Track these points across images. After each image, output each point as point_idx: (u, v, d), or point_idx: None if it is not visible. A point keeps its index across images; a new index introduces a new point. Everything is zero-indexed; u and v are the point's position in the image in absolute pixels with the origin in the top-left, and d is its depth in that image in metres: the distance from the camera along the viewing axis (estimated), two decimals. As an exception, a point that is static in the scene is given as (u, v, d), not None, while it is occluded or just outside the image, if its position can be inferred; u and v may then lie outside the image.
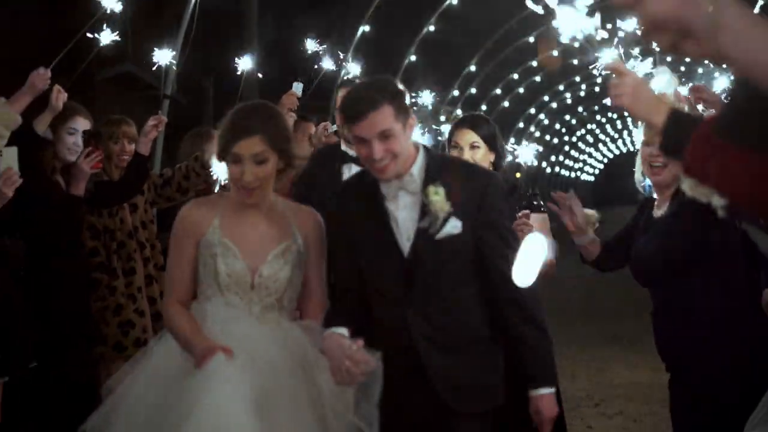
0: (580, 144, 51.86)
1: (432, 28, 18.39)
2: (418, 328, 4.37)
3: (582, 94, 34.93)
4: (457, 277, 4.38)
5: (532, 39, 21.71)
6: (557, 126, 41.24)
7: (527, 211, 5.60)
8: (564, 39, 3.55)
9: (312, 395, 4.22)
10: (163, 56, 8.19)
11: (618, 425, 9.13)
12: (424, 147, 4.53)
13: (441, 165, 4.47)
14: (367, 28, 16.50)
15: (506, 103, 27.82)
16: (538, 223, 5.55)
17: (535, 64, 25.19)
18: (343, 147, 5.93)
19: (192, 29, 9.94)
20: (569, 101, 35.62)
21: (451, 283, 4.38)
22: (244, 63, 8.72)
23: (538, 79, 27.83)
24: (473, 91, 23.77)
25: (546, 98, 33.28)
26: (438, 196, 4.30)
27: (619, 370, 11.10)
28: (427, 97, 13.15)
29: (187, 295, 4.49)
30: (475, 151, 5.79)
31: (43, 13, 14.96)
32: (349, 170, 5.83)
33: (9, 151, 6.05)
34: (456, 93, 22.58)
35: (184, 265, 4.48)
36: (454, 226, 4.33)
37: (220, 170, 4.85)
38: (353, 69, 12.37)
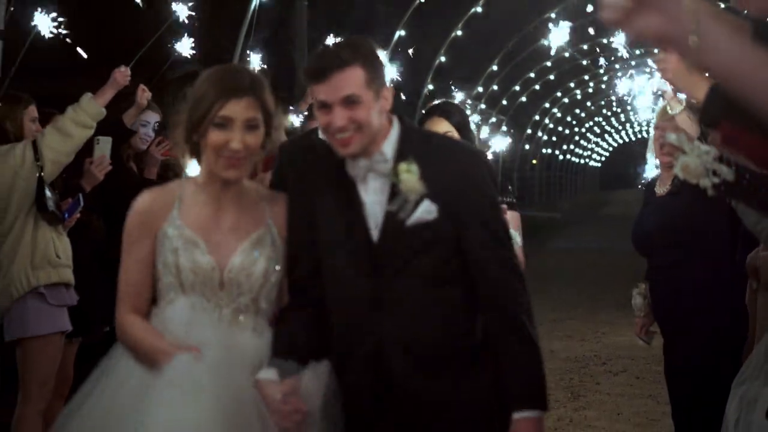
0: (588, 134, 51.56)
1: (459, 32, 18.34)
2: (388, 333, 3.19)
3: (590, 90, 34.70)
4: (434, 273, 3.20)
5: (546, 42, 21.63)
6: (568, 119, 40.99)
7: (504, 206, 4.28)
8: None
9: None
10: (225, 56, 8.23)
11: (623, 382, 9.13)
12: (401, 119, 3.38)
13: (419, 140, 3.33)
14: (402, 32, 16.47)
15: (524, 98, 27.83)
16: (512, 221, 4.61)
17: (549, 64, 25.07)
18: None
19: (251, 32, 9.97)
20: (579, 97, 35.41)
21: (428, 280, 3.20)
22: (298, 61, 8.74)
23: (552, 77, 27.75)
24: (495, 87, 23.73)
25: (558, 94, 33.12)
26: (410, 174, 3.19)
27: (623, 332, 11.08)
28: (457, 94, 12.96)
29: (144, 303, 3.34)
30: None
31: (123, 19, 15.03)
32: None
33: (104, 140, 6.11)
34: (480, 89, 22.51)
35: (141, 266, 3.32)
36: (427, 210, 3.19)
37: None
38: (391, 72, 12.33)
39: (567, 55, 23.73)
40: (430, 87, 18.52)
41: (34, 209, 5.81)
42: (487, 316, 3.22)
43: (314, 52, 3.59)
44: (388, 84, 3.31)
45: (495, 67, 21.95)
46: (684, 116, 4.85)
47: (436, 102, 5.16)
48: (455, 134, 4.78)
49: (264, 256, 3.32)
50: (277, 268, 3.36)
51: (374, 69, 3.22)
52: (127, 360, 3.24)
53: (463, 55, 19.39)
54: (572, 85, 32.48)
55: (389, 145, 3.28)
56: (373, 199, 3.25)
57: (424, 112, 5.00)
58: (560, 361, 9.95)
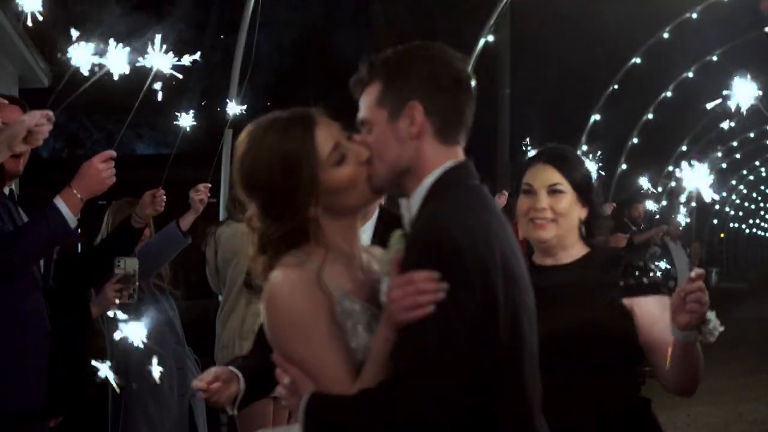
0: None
1: (650, 116, 18.28)
2: None
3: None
4: None
5: (732, 124, 21.25)
6: (754, 194, 39.64)
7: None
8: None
9: None
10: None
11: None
12: (452, 172, 2.33)
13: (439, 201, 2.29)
14: (598, 116, 16.59)
15: (712, 176, 27.18)
16: (657, 309, 3.06)
17: (735, 144, 24.52)
18: None
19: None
20: (764, 174, 34.26)
21: None
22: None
23: (738, 156, 27.08)
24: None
25: (744, 172, 32.20)
26: (397, 247, 2.37)
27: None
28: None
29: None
30: (556, 197, 3.21)
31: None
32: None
33: (130, 262, 4.87)
34: (670, 168, 22.24)
35: (339, 348, 2.30)
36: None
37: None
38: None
39: (752, 135, 23.20)
40: (624, 167, 18.45)
41: None
42: None
43: None
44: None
45: (684, 147, 21.65)
46: None
47: (548, 145, 3.45)
48: (569, 191, 3.22)
49: None
50: None
51: (394, 80, 2.35)
52: None
53: (654, 137, 19.28)
54: (757, 163, 31.54)
55: (418, 193, 2.35)
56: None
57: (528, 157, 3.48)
58: (747, 424, 9.74)
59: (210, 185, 5.23)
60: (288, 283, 2.32)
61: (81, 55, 3.88)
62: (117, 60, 3.89)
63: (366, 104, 2.37)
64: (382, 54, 2.38)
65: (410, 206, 2.35)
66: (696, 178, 3.06)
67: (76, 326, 4.61)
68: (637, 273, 3.14)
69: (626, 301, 3.09)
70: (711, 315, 2.74)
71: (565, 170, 3.22)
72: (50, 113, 3.86)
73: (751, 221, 44.91)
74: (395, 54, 2.37)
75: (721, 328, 2.77)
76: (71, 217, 3.98)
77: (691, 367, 2.91)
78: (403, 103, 2.29)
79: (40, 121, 3.82)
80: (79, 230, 4.63)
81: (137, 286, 4.82)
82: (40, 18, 3.87)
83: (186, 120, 4.62)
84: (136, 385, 5.12)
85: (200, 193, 5.23)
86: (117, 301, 4.77)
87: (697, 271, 2.73)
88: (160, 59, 4.11)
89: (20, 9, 3.88)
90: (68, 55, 3.87)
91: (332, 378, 2.27)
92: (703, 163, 3.16)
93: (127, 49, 3.94)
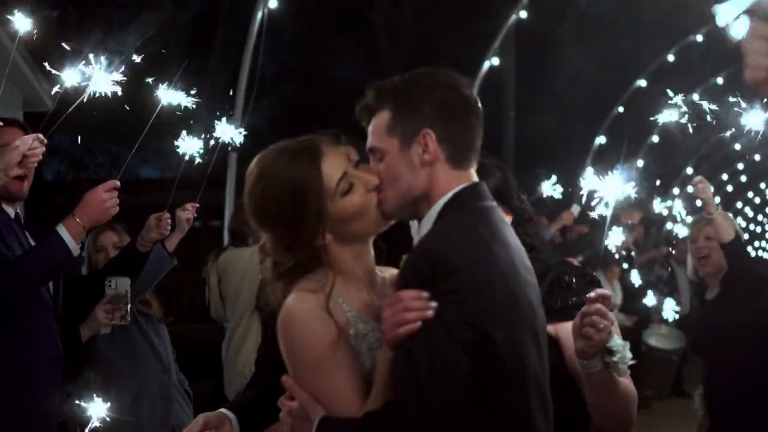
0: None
1: (656, 138, 18.28)
2: None
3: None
4: None
5: (737, 146, 21.28)
6: (759, 217, 39.58)
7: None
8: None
9: None
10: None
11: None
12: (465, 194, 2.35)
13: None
14: (603, 139, 16.60)
15: (717, 199, 27.18)
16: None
17: (741, 167, 24.54)
18: None
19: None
20: (768, 196, 34.36)
21: None
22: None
23: (743, 179, 27.09)
24: (690, 189, 23.35)
25: (750, 194, 32.20)
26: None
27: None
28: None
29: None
30: None
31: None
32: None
33: (121, 281, 4.75)
34: (676, 191, 22.25)
35: (350, 375, 2.31)
36: None
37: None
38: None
39: (758, 158, 23.17)
40: (629, 188, 18.41)
41: None
42: None
43: None
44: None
45: (690, 170, 21.65)
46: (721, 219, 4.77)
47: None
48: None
49: None
50: None
51: (404, 109, 2.35)
52: None
53: (659, 158, 19.27)
54: (763, 185, 31.52)
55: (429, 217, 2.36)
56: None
57: None
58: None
59: (198, 205, 5.15)
60: (301, 310, 2.34)
61: (71, 78, 3.91)
62: (103, 80, 3.92)
63: (375, 132, 2.36)
64: (389, 81, 2.38)
65: (420, 229, 2.35)
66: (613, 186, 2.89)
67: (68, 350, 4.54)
68: (569, 290, 2.80)
69: (549, 328, 2.54)
70: (619, 344, 2.47)
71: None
72: (41, 136, 3.96)
73: (756, 243, 44.79)
74: (403, 81, 2.36)
75: (631, 360, 2.47)
76: (74, 245, 4.02)
77: (605, 401, 2.57)
78: (415, 131, 2.30)
79: (33, 144, 3.95)
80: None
81: (129, 307, 4.71)
82: (35, 38, 3.92)
83: (190, 145, 4.56)
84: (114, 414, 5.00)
85: (187, 213, 5.15)
86: (109, 323, 4.70)
87: (598, 291, 2.47)
88: (165, 94, 4.20)
89: (15, 30, 3.92)
90: (61, 79, 3.90)
91: (341, 404, 2.28)
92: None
93: (116, 73, 3.95)
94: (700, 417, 5.30)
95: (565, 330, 2.67)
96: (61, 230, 4.00)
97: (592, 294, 2.45)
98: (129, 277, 4.75)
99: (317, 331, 2.31)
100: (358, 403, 2.27)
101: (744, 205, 33.83)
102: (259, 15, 9.11)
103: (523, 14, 13.56)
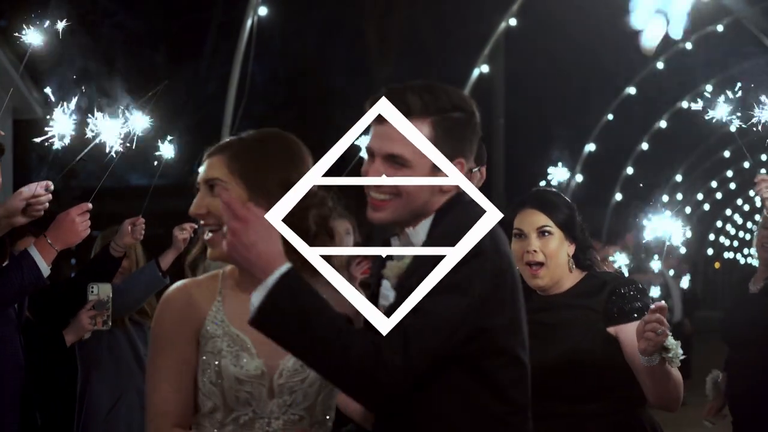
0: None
1: (645, 146, 18.35)
2: None
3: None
4: None
5: (727, 154, 21.35)
6: (749, 225, 39.78)
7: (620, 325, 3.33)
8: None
9: None
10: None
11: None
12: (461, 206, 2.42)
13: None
14: (593, 147, 16.63)
15: (706, 207, 27.37)
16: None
17: (730, 174, 24.64)
18: None
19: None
20: (758, 204, 34.44)
21: None
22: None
23: (732, 186, 27.23)
24: (679, 197, 23.47)
25: (739, 202, 32.32)
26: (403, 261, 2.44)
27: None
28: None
29: (187, 420, 2.45)
30: (546, 239, 3.39)
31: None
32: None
33: (103, 287, 4.75)
34: (665, 199, 22.32)
35: (181, 372, 2.43)
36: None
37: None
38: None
39: (747, 165, 23.25)
40: (618, 197, 18.50)
41: None
42: None
43: None
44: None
45: (679, 178, 21.74)
46: None
47: (531, 191, 3.62)
48: (556, 232, 3.39)
49: None
50: None
51: (450, 131, 2.40)
52: None
53: (648, 166, 19.35)
54: (752, 193, 31.60)
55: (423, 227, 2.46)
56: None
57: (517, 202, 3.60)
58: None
59: (196, 226, 5.14)
60: (169, 294, 2.51)
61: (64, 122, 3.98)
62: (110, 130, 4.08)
63: (410, 143, 2.34)
64: (429, 87, 2.38)
65: (416, 233, 2.42)
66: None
67: (51, 358, 4.54)
68: (624, 299, 3.34)
69: (610, 329, 3.31)
70: (673, 344, 3.07)
71: (550, 212, 3.41)
72: (50, 184, 3.91)
73: (746, 251, 44.92)
74: (449, 99, 2.38)
75: (683, 356, 3.10)
76: (44, 267, 4.00)
77: (661, 387, 3.21)
78: (450, 159, 2.36)
79: (39, 191, 3.87)
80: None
81: (111, 312, 4.71)
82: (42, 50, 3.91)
83: (167, 149, 4.55)
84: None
85: (185, 233, 5.09)
86: (92, 327, 4.70)
87: (657, 304, 3.05)
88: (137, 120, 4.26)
89: (25, 42, 3.89)
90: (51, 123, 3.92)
91: (156, 403, 2.43)
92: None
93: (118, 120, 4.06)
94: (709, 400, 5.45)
95: (623, 331, 3.26)
96: (33, 252, 3.99)
97: (653, 306, 3.02)
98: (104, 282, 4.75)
99: (166, 322, 2.48)
100: (166, 397, 2.41)
101: (733, 213, 33.92)
102: (249, 23, 9.13)
103: (513, 22, 13.58)
